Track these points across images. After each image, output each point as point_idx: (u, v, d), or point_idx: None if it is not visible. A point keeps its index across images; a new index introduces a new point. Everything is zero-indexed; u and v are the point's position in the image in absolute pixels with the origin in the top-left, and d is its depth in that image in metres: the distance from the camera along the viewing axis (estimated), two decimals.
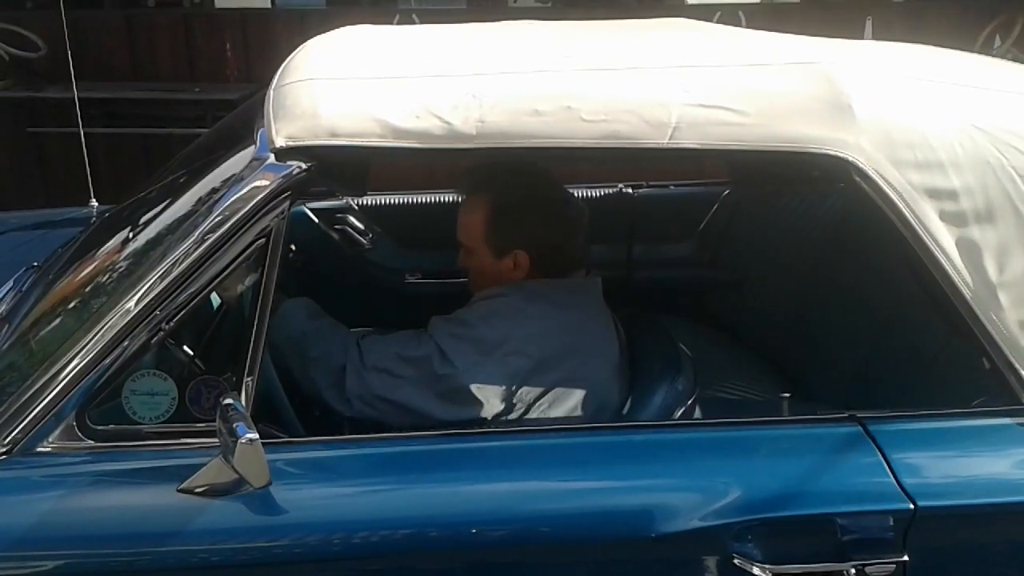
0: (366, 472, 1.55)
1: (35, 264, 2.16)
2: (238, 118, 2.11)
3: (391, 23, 4.40)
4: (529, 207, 1.87)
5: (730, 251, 2.69)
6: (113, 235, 1.89)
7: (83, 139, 2.78)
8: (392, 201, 2.77)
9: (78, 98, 4.26)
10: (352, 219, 2.67)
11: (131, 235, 1.80)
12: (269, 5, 5.64)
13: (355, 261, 2.66)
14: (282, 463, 1.45)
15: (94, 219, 2.41)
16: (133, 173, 4.70)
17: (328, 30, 2.03)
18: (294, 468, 1.50)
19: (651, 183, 2.79)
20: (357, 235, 2.67)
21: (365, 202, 2.70)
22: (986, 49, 5.07)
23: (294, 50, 1.91)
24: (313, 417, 1.81)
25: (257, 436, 1.33)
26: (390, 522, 1.47)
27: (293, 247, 2.28)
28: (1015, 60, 3.38)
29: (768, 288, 2.51)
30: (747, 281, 2.63)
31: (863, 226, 1.93)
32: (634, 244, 2.74)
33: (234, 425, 1.34)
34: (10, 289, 2.06)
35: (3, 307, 1.96)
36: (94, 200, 2.70)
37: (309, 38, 1.99)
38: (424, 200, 2.76)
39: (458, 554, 1.48)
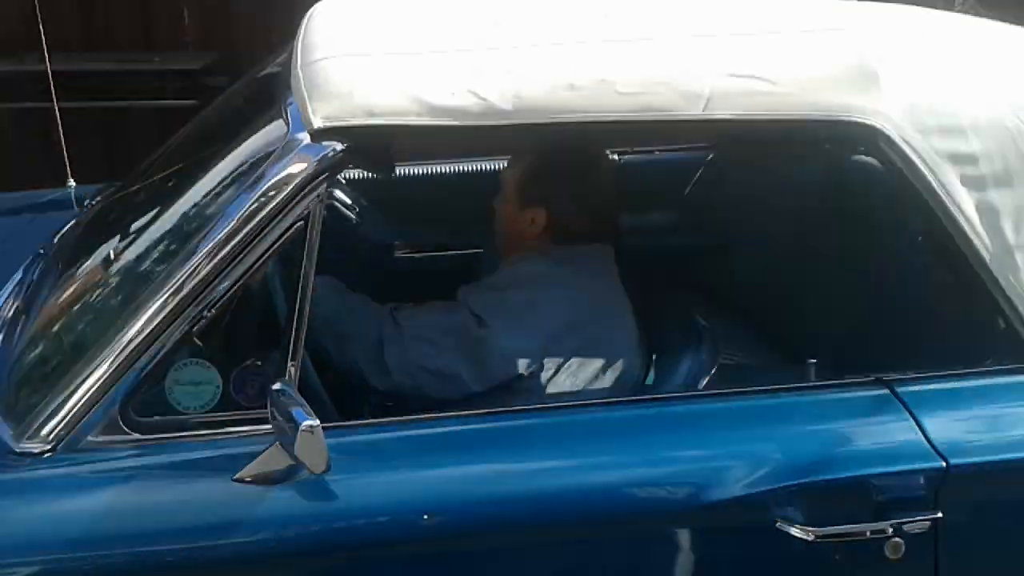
0: (416, 453, 1.53)
1: (40, 251, 2.08)
2: (245, 95, 2.05)
3: None
4: (562, 172, 1.93)
5: (715, 217, 2.71)
6: (130, 220, 1.84)
7: (58, 115, 2.63)
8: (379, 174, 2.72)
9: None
10: (339, 193, 2.61)
11: (155, 221, 1.76)
12: None
13: (343, 235, 2.60)
14: (333, 447, 1.41)
15: (89, 202, 2.30)
16: (92, 150, 4.49)
17: None
18: (346, 452, 1.47)
19: (636, 149, 2.78)
20: (345, 209, 2.62)
21: (352, 175, 2.65)
22: (947, 6, 5.13)
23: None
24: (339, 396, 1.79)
25: (318, 422, 1.31)
26: (446, 503, 1.47)
27: None
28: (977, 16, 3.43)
29: (754, 254, 2.54)
30: (733, 247, 2.65)
31: (865, 191, 1.96)
32: (620, 212, 2.74)
33: (291, 411, 1.33)
34: (21, 278, 1.98)
35: (16, 297, 1.89)
36: (72, 181, 2.58)
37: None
38: (412, 172, 2.71)
39: (515, 530, 1.49)
